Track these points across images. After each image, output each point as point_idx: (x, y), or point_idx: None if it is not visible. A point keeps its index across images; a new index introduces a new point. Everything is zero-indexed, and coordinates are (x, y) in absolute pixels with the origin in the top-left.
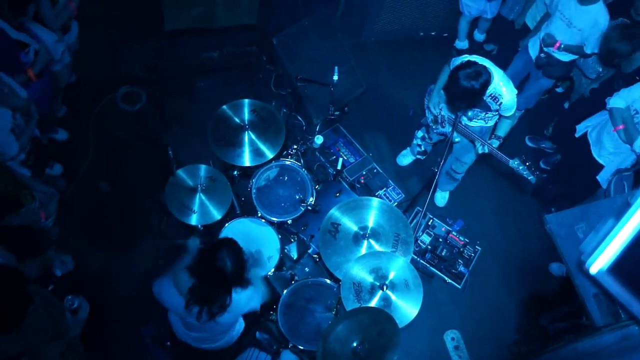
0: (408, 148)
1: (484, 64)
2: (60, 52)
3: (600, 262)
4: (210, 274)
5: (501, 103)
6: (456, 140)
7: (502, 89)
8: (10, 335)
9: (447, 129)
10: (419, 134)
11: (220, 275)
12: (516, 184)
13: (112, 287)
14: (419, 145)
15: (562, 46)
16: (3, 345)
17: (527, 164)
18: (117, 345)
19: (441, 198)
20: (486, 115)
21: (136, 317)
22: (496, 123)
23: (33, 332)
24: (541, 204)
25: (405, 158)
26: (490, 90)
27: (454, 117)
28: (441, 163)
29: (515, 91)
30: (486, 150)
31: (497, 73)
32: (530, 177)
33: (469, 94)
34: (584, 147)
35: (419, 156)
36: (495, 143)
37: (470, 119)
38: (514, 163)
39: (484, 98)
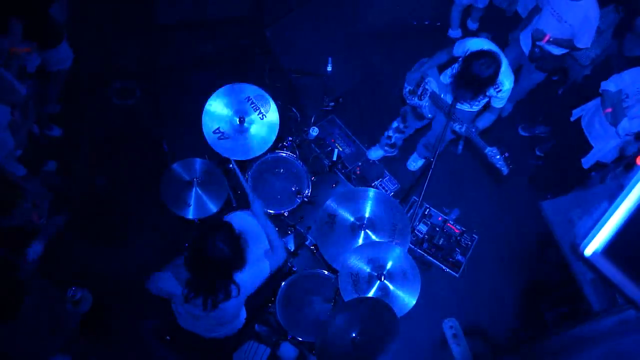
0: (377, 144)
1: (494, 49)
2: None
3: (594, 244)
4: (208, 266)
5: (500, 90)
6: (429, 116)
7: (504, 78)
8: (6, 326)
9: (425, 101)
10: (394, 124)
11: (219, 264)
12: (512, 172)
13: (109, 281)
14: (389, 137)
15: (552, 39)
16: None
17: (505, 154)
18: (117, 339)
19: (413, 161)
20: (475, 101)
21: (135, 311)
22: (478, 113)
23: (29, 324)
24: (537, 191)
25: (375, 152)
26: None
27: (440, 93)
28: (436, 151)
29: (513, 81)
30: (463, 132)
31: (503, 61)
32: (503, 169)
33: (478, 82)
34: (577, 132)
35: (387, 149)
36: None
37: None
38: (491, 151)
39: None
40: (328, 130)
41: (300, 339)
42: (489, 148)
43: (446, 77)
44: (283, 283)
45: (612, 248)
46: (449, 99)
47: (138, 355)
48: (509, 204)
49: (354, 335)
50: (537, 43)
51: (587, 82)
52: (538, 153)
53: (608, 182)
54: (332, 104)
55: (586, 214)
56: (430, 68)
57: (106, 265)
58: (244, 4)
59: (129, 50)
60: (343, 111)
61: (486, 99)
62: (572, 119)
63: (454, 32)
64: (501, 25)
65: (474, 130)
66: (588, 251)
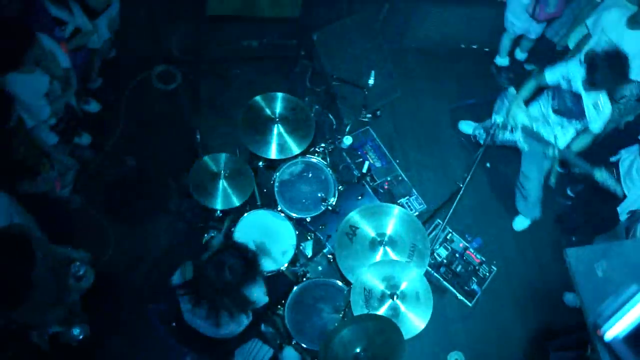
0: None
1: None
2: (99, 39)
3: (616, 329)
4: (205, 282)
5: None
6: (525, 147)
7: (605, 97)
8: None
9: (517, 136)
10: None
11: (211, 287)
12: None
13: (125, 261)
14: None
15: None
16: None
17: (614, 176)
18: (123, 318)
19: (519, 223)
20: (569, 125)
21: (146, 293)
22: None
23: (37, 295)
24: (563, 231)
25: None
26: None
27: (529, 124)
28: (467, 177)
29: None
30: (557, 155)
31: None
32: (618, 189)
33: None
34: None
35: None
36: None
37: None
38: (599, 174)
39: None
40: (361, 141)
41: (304, 346)
42: (596, 170)
43: (538, 108)
44: (295, 287)
45: (633, 336)
46: (540, 128)
47: (144, 336)
48: (532, 241)
49: (358, 350)
50: None
51: (630, 127)
52: (569, 193)
53: (638, 236)
54: (369, 115)
55: (611, 268)
56: (519, 99)
57: (123, 245)
58: (295, 5)
59: (177, 37)
60: (379, 124)
61: (575, 130)
62: (612, 158)
63: (501, 60)
64: (549, 58)
65: (568, 152)
66: (609, 335)
